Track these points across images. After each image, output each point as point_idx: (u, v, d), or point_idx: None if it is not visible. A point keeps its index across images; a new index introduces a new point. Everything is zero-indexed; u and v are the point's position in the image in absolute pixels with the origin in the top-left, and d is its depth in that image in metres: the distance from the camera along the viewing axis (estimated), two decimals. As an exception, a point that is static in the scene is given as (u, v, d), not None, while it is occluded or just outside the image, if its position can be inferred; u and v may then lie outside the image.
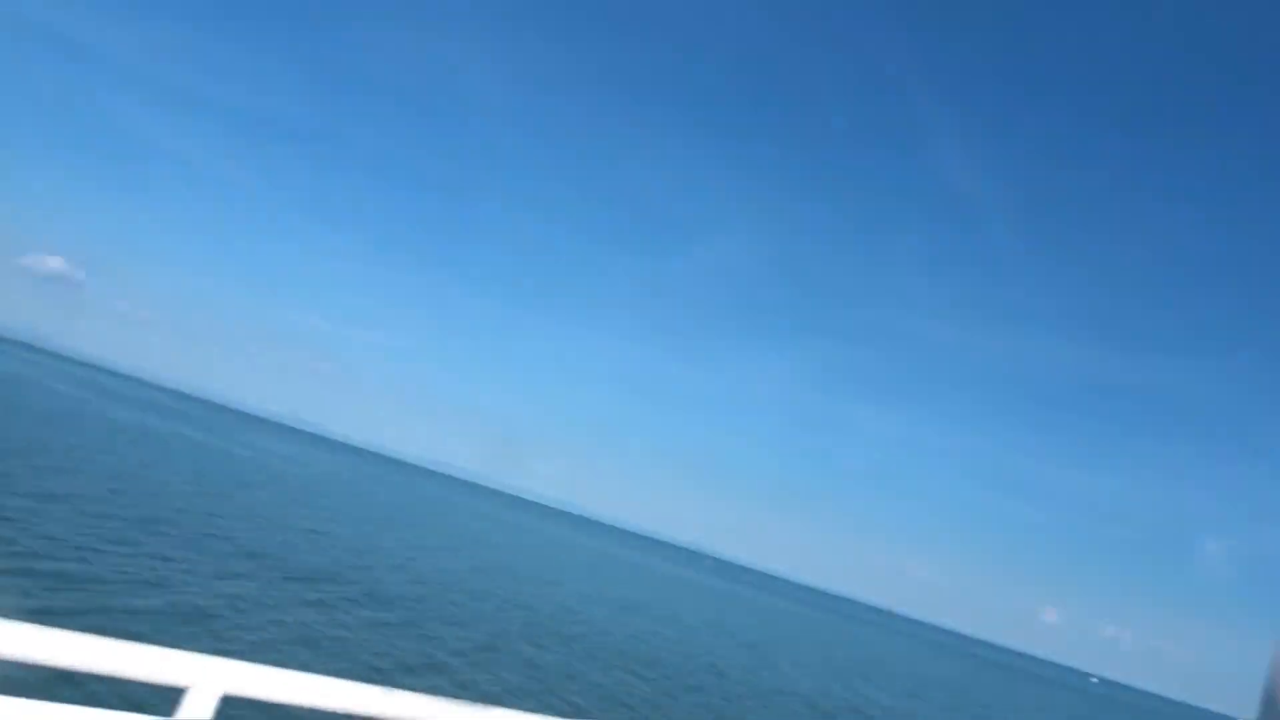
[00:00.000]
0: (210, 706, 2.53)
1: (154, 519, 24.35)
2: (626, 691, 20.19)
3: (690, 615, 48.67)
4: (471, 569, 37.44)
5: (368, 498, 67.41)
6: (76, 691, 9.42)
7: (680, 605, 54.69)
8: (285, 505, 39.87)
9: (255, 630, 15.59)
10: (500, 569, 41.67)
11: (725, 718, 20.86)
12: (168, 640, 7.26)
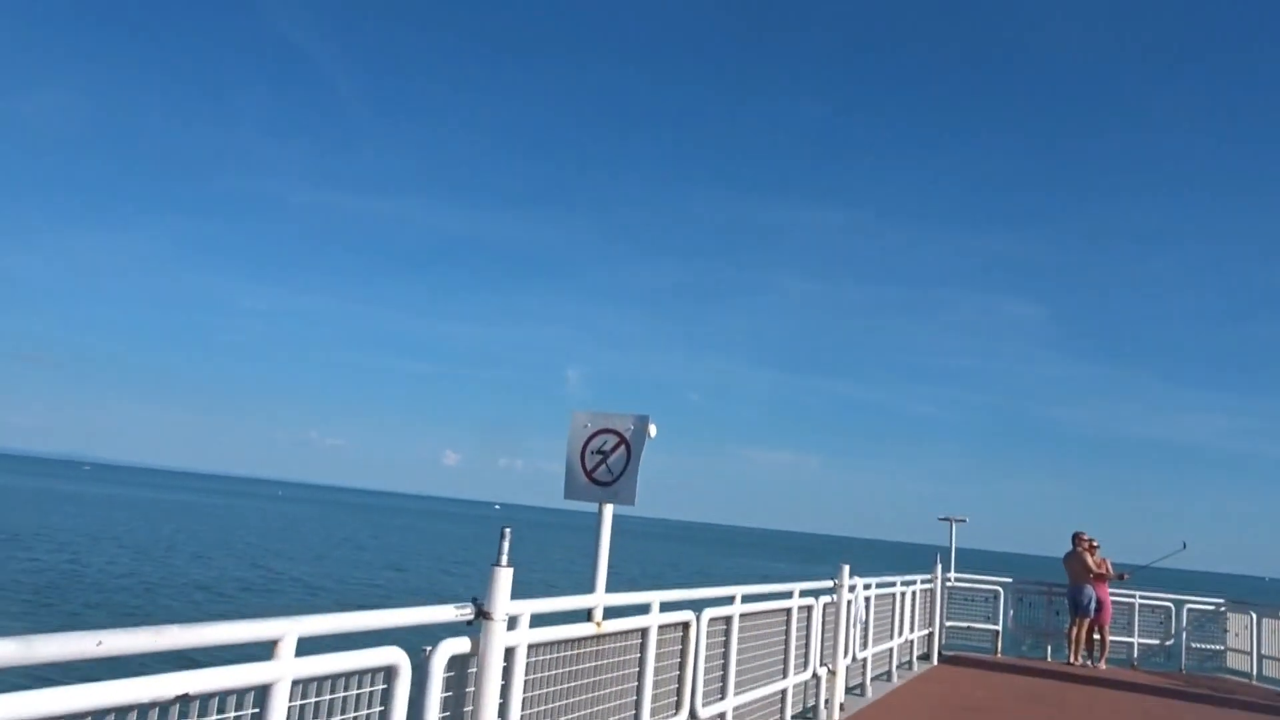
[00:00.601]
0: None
1: None
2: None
3: (72, 531, 43.82)
4: None
5: None
6: None
7: (53, 522, 48.81)
8: None
9: None
10: None
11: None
12: None
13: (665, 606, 5.89)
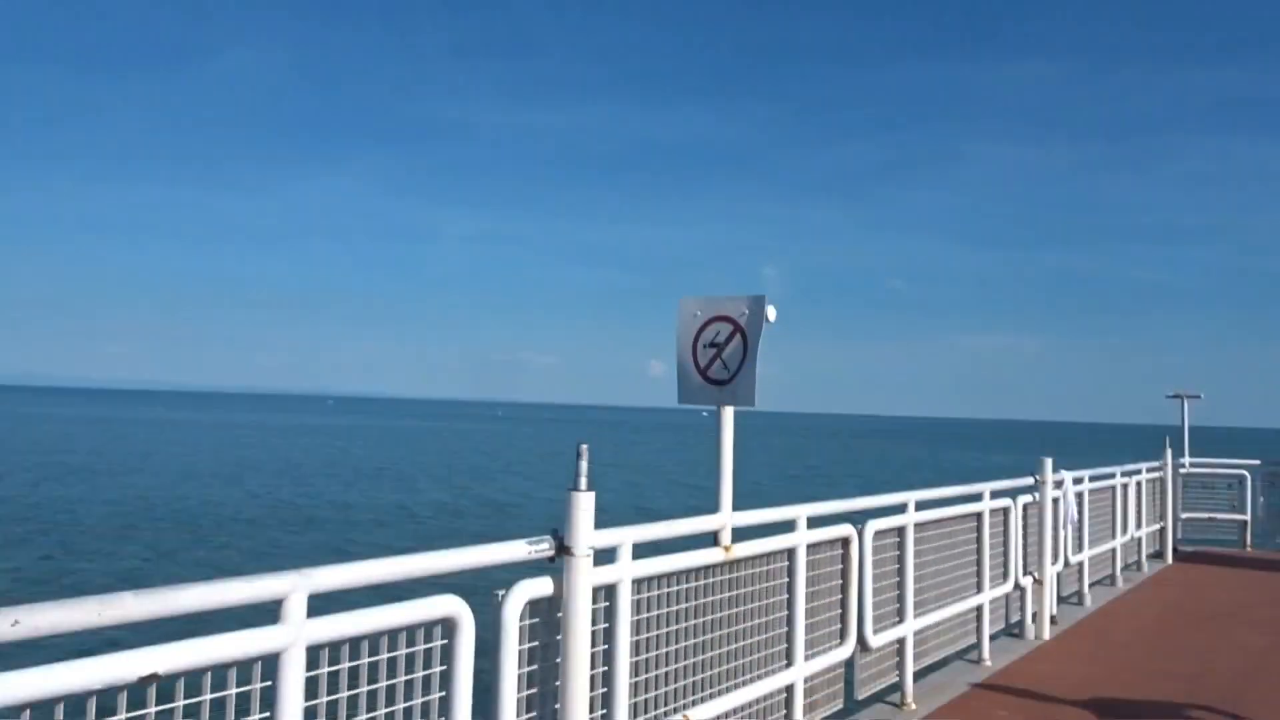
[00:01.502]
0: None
1: None
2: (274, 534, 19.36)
3: (305, 459, 47.53)
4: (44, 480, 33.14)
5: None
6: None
7: (293, 454, 53.11)
8: None
9: None
10: (80, 472, 37.34)
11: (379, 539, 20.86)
12: None
13: (816, 522, 5.07)
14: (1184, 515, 13.86)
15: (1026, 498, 8.01)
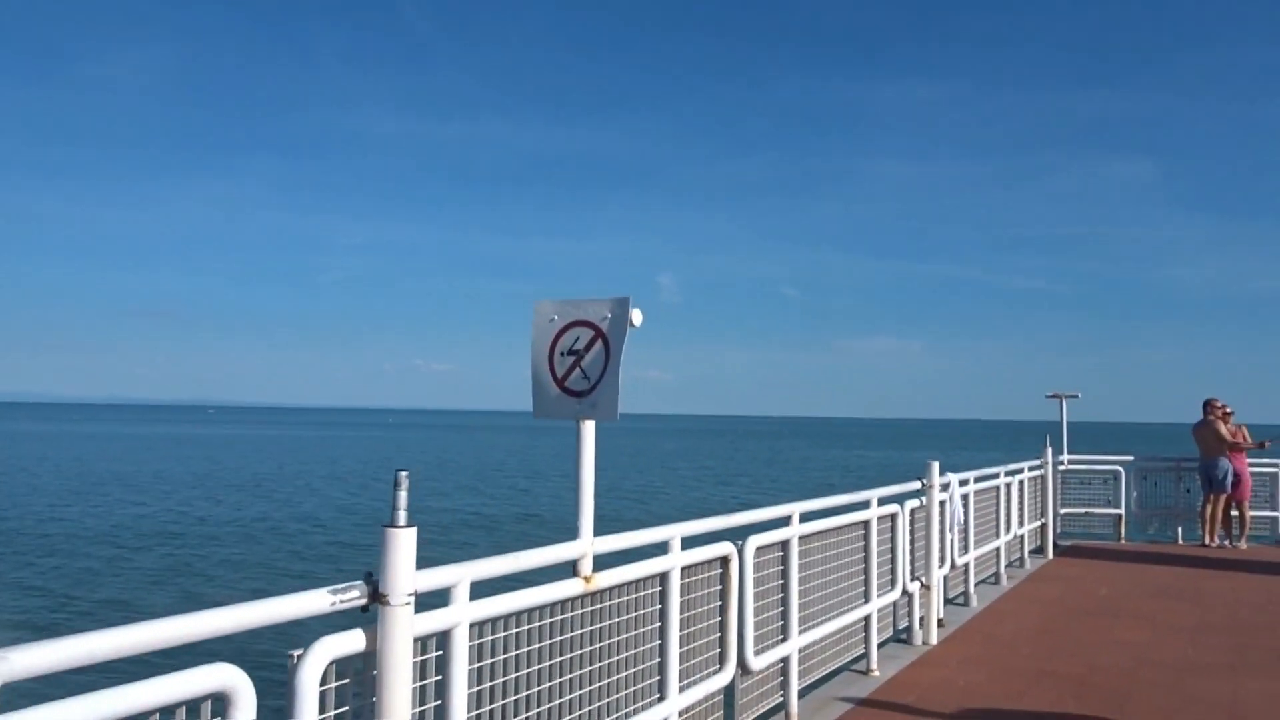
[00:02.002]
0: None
1: None
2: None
3: (187, 474, 45.15)
4: None
5: None
6: None
7: (172, 468, 50.44)
8: None
9: None
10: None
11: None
12: None
13: (691, 542, 4.65)
14: (1064, 510, 14.09)
15: (914, 502, 7.80)
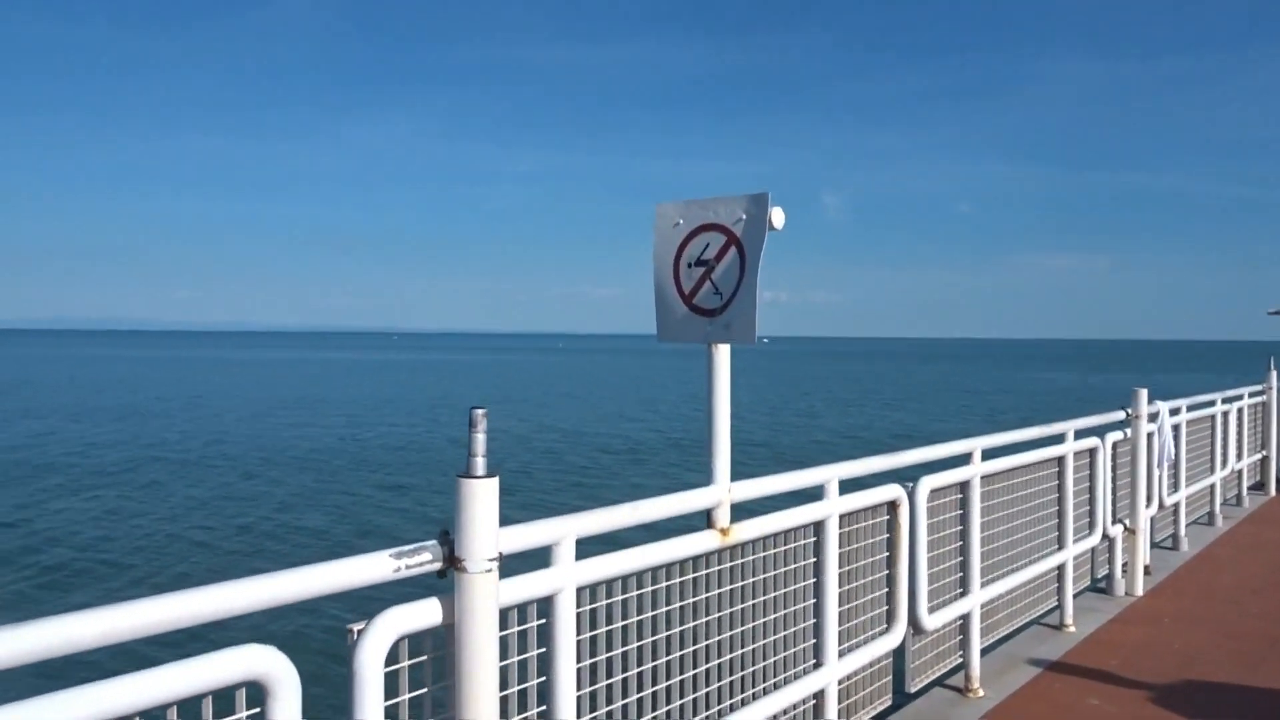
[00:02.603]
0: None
1: None
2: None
3: (402, 394, 47.55)
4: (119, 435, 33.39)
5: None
6: None
7: (358, 390, 53.23)
8: None
9: None
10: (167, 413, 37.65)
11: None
12: None
13: (851, 486, 3.96)
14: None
15: (1116, 435, 6.77)
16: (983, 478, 5.01)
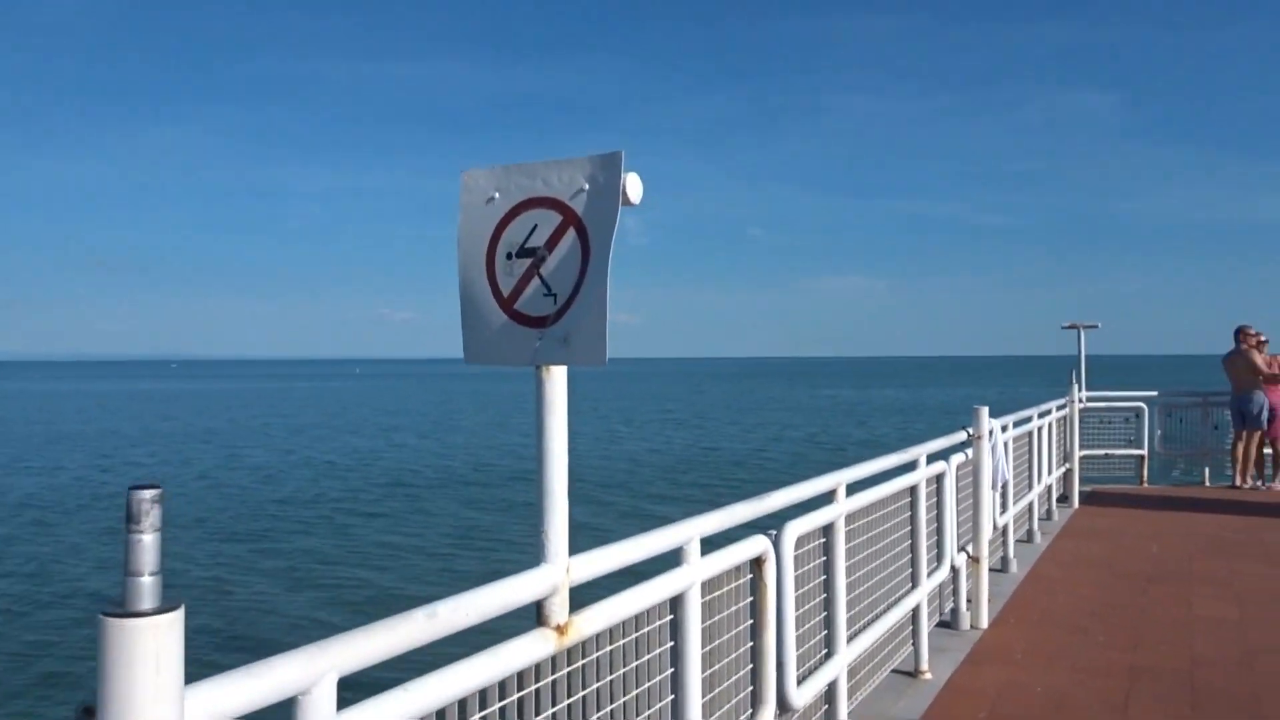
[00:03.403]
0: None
1: None
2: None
3: (160, 433, 43.06)
4: None
5: None
6: None
7: (131, 426, 48.31)
8: None
9: None
10: None
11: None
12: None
13: (708, 544, 3.13)
14: (1082, 451, 12.79)
15: (959, 457, 6.36)
16: (846, 517, 4.34)
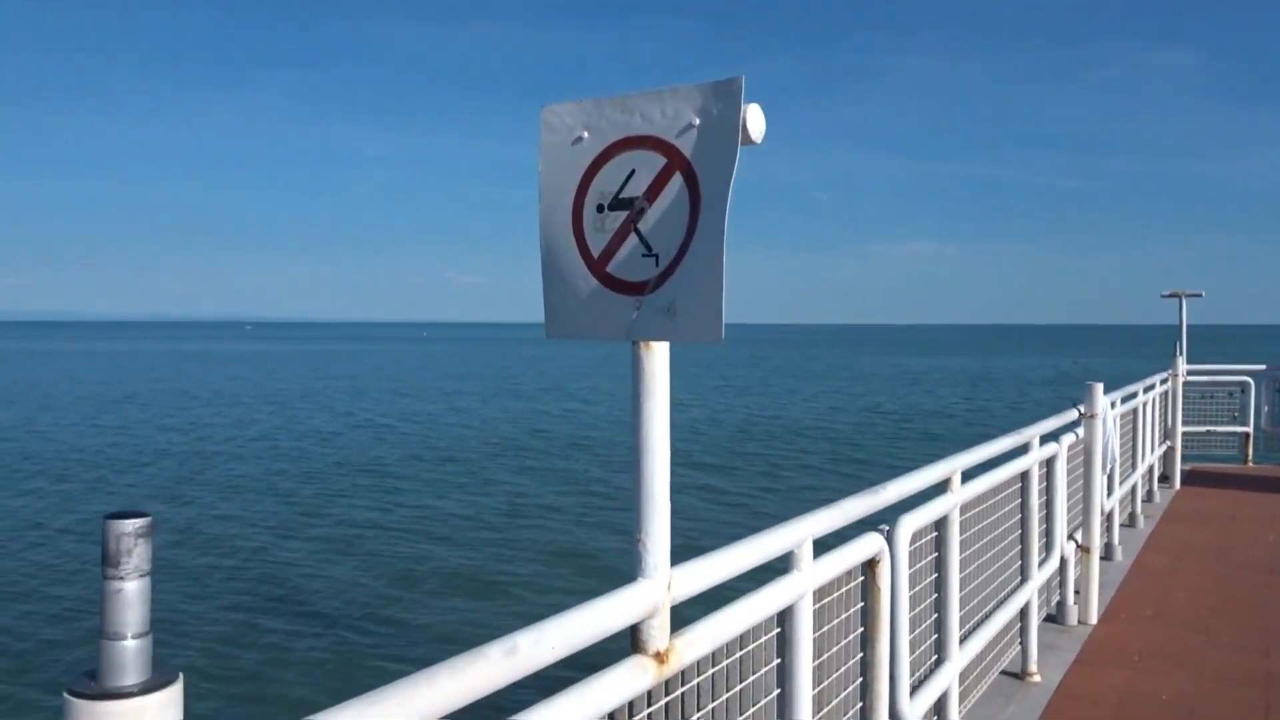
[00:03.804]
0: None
1: None
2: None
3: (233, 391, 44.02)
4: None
5: None
6: None
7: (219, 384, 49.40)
8: None
9: None
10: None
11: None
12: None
13: (820, 545, 2.72)
14: (1183, 429, 12.03)
15: (1069, 437, 5.83)
16: (960, 507, 3.88)
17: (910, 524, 3.33)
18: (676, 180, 1.85)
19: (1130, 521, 8.63)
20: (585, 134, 1.97)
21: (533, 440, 26.22)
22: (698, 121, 1.83)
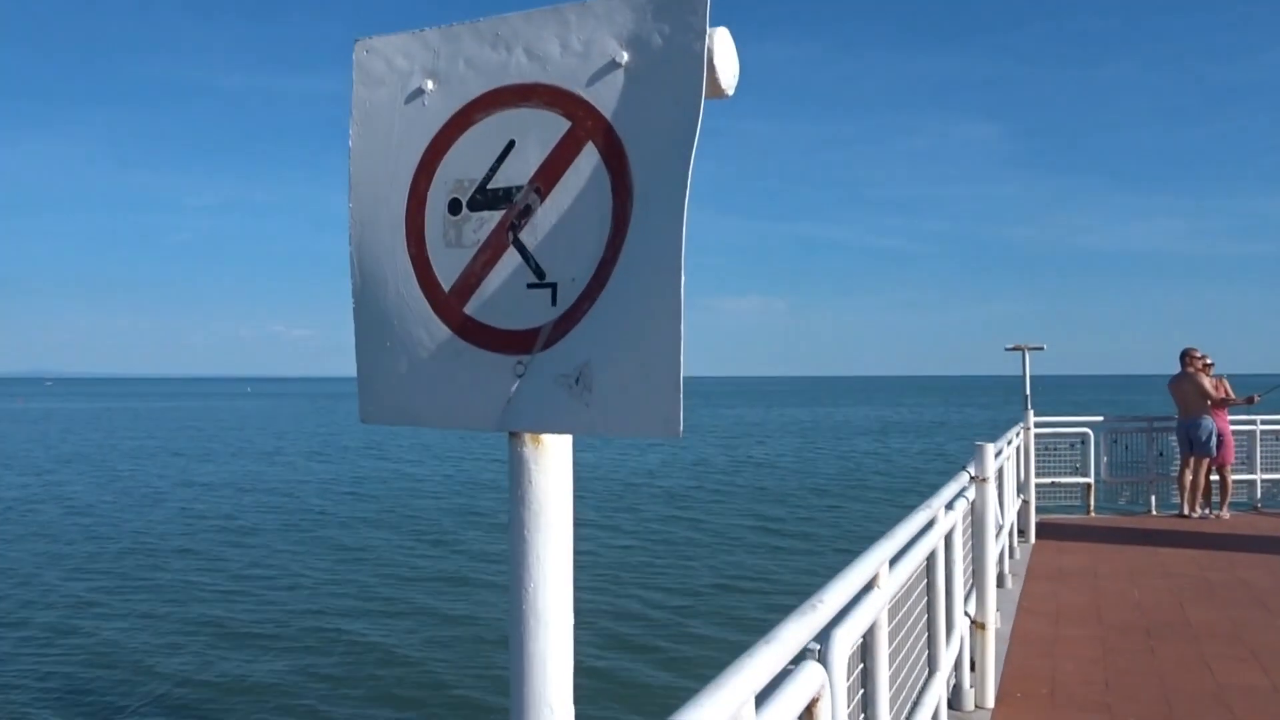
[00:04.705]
0: None
1: None
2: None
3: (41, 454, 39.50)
4: None
5: None
6: None
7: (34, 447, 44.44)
8: None
9: None
10: None
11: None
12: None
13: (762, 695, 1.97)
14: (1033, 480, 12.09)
15: (963, 503, 5.35)
16: (889, 606, 3.23)
17: (845, 639, 2.63)
18: (589, 157, 1.09)
19: (1000, 582, 8.33)
20: (429, 84, 1.18)
21: (306, 520, 21.58)
22: (625, 58, 1.07)
